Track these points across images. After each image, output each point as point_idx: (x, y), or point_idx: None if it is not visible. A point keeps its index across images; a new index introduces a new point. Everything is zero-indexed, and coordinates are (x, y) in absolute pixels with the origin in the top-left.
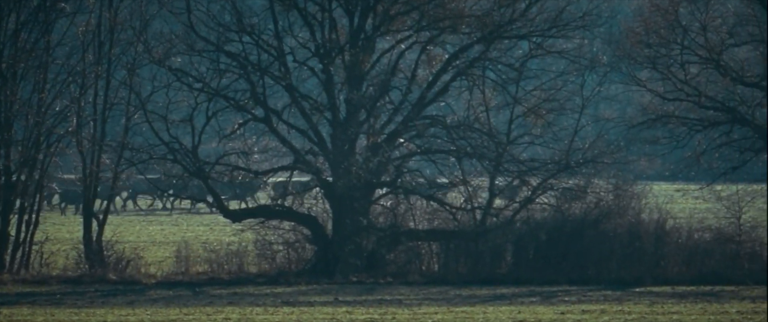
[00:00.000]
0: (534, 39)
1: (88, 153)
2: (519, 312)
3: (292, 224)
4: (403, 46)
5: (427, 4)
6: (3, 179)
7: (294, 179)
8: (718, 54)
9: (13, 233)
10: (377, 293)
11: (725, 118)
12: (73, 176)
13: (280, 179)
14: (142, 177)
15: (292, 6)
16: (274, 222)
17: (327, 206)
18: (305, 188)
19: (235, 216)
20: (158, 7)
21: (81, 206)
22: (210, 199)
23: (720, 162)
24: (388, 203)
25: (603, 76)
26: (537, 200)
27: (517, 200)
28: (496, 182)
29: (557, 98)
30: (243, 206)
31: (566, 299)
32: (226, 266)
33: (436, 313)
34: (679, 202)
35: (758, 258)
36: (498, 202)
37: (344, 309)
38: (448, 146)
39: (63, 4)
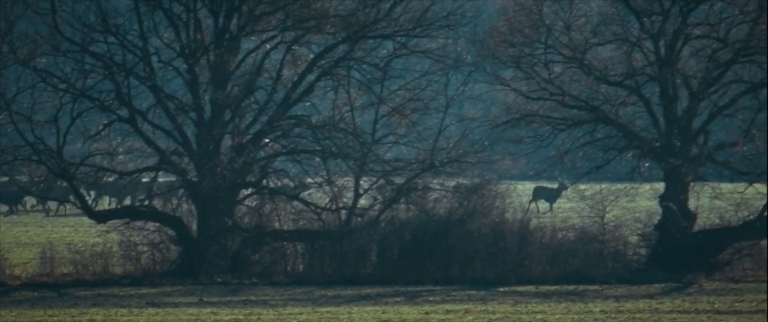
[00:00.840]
0: (398, 39)
1: None
2: (384, 312)
3: (157, 224)
4: (268, 46)
5: (291, 4)
6: None
7: (160, 180)
8: (581, 53)
9: None
10: (242, 293)
11: (589, 117)
12: None
13: (145, 180)
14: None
15: (157, 6)
16: (139, 223)
17: (192, 206)
18: (170, 188)
19: (100, 217)
20: (23, 8)
21: None
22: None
23: (584, 161)
24: (253, 204)
25: (467, 75)
26: (402, 200)
27: (382, 199)
28: (361, 182)
29: (422, 98)
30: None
31: (431, 298)
32: (90, 268)
33: (301, 313)
34: (543, 201)
35: (621, 257)
36: (363, 202)
37: (209, 310)
38: (313, 146)
39: None
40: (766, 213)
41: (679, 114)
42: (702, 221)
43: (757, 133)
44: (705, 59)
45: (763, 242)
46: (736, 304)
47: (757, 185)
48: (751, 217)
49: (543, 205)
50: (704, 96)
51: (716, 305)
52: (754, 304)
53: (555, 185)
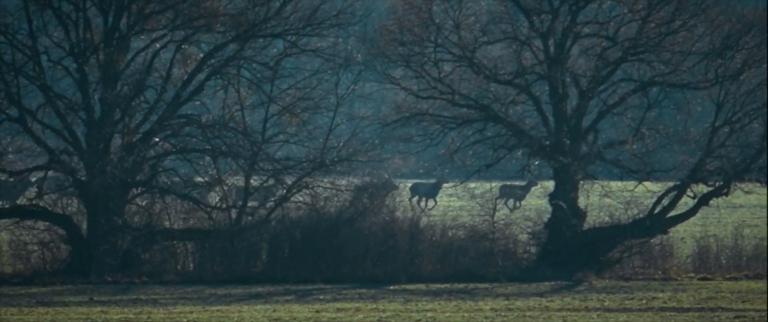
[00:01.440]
0: (288, 38)
1: None
2: (274, 311)
3: (47, 224)
4: (158, 46)
5: (181, 3)
6: None
7: (50, 178)
8: (471, 52)
9: None
10: (132, 292)
11: (479, 115)
12: None
13: (34, 179)
14: None
15: (47, 5)
16: (29, 222)
17: (82, 205)
18: (60, 187)
19: None
20: None
21: None
22: None
23: (474, 160)
24: (144, 203)
25: (357, 74)
26: (292, 199)
27: (273, 198)
28: (252, 181)
29: (312, 97)
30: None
31: (321, 297)
32: None
33: (192, 312)
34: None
35: (512, 255)
36: (253, 201)
37: (99, 309)
38: (203, 145)
39: None
40: (656, 211)
41: (569, 112)
42: (592, 219)
43: (646, 131)
44: (594, 58)
45: (654, 240)
46: (626, 302)
47: (647, 183)
48: (641, 215)
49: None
50: (593, 94)
51: (606, 303)
52: (643, 302)
53: (523, 183)
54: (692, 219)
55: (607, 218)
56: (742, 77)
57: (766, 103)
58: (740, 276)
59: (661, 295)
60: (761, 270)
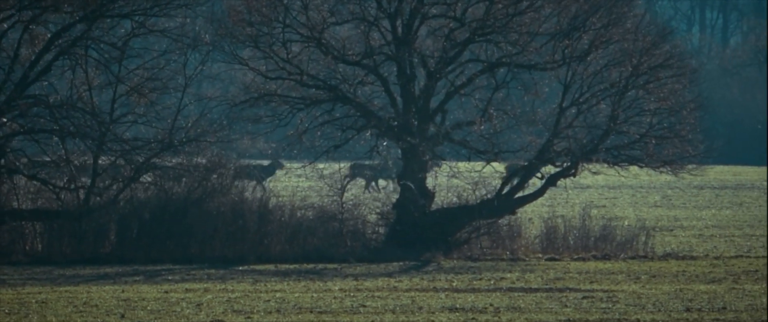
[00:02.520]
0: (136, 18)
1: None
2: (123, 291)
3: None
4: (5, 26)
5: None
6: None
7: None
8: (319, 33)
9: None
10: None
11: (327, 96)
12: None
13: None
14: None
15: None
16: None
17: None
18: None
19: None
20: None
21: None
22: None
23: (322, 140)
24: None
25: (205, 55)
26: (141, 179)
27: (121, 179)
28: (100, 162)
29: (160, 77)
30: None
31: (170, 278)
32: None
33: (40, 293)
34: (282, 180)
35: (360, 236)
36: (102, 181)
37: None
38: (51, 126)
39: None
40: (505, 191)
41: (417, 93)
42: (440, 200)
43: (494, 112)
44: (442, 39)
45: (502, 221)
46: (475, 282)
47: (495, 164)
48: (489, 195)
49: None
50: (441, 75)
51: (454, 283)
52: (492, 282)
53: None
54: (540, 200)
55: (455, 199)
56: (589, 58)
57: (613, 84)
58: (588, 257)
59: (509, 275)
60: (608, 251)
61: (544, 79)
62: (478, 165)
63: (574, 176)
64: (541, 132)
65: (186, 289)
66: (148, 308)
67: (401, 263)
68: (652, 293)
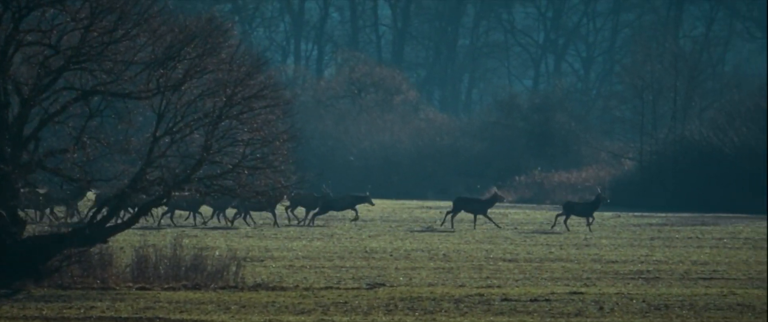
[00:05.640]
0: None
1: None
2: None
3: None
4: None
5: None
6: None
7: None
8: None
9: None
10: None
11: None
12: None
13: None
14: None
15: None
16: None
17: None
18: None
19: None
20: None
21: None
22: None
23: None
24: None
25: None
26: None
27: None
28: None
29: None
30: None
31: None
32: None
33: None
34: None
35: None
36: None
37: None
38: None
39: None
40: (97, 219)
41: (11, 120)
42: (32, 228)
43: (87, 140)
44: (36, 66)
45: (93, 249)
46: (65, 310)
47: (89, 193)
48: (81, 223)
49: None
50: (35, 103)
51: (44, 312)
52: (82, 311)
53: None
54: (133, 229)
55: (47, 227)
56: (183, 88)
57: (207, 114)
58: (178, 286)
59: (99, 304)
60: (199, 280)
61: (138, 107)
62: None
63: (166, 205)
64: (134, 161)
65: None
66: None
67: None
68: None
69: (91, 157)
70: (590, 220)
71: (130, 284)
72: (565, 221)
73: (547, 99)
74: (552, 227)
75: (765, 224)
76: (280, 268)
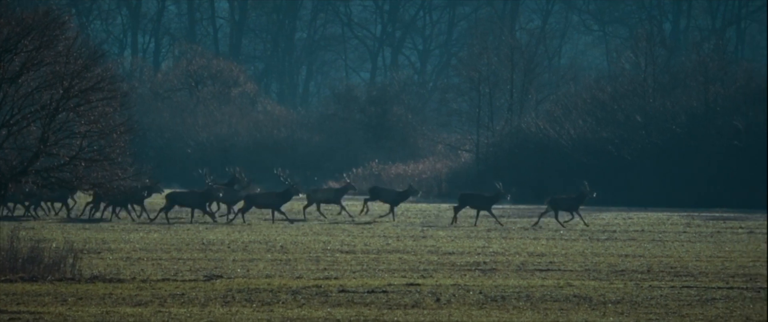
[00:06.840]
0: None
1: None
2: None
3: None
4: None
5: None
6: None
7: None
8: None
9: None
10: None
11: None
12: None
13: None
14: None
15: None
16: None
17: None
18: None
19: None
20: None
21: None
22: None
23: None
24: None
25: None
26: None
27: None
28: None
29: None
30: None
31: None
32: None
33: None
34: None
35: None
36: None
37: None
38: None
39: None
40: None
41: None
42: None
43: None
44: None
45: None
46: None
47: None
48: None
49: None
50: None
51: None
52: None
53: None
54: None
55: None
56: (20, 80)
57: (44, 107)
58: (15, 278)
59: None
60: (36, 272)
61: None
62: None
63: (4, 198)
64: None
65: None
66: None
67: None
68: (78, 315)
69: None
70: (574, 215)
71: None
72: (556, 216)
73: (384, 91)
74: (534, 225)
75: (600, 216)
76: (117, 260)
